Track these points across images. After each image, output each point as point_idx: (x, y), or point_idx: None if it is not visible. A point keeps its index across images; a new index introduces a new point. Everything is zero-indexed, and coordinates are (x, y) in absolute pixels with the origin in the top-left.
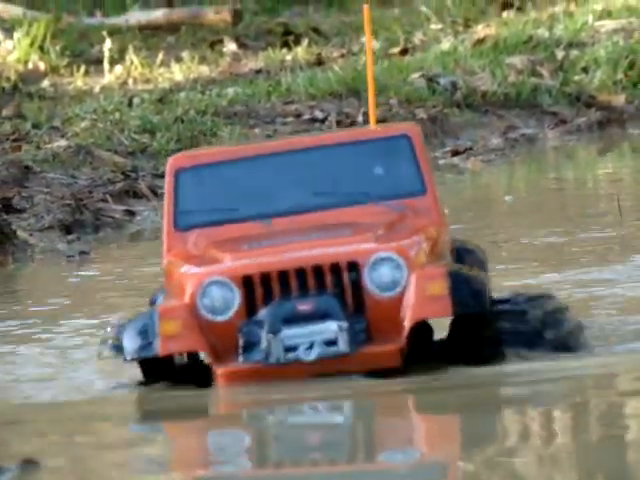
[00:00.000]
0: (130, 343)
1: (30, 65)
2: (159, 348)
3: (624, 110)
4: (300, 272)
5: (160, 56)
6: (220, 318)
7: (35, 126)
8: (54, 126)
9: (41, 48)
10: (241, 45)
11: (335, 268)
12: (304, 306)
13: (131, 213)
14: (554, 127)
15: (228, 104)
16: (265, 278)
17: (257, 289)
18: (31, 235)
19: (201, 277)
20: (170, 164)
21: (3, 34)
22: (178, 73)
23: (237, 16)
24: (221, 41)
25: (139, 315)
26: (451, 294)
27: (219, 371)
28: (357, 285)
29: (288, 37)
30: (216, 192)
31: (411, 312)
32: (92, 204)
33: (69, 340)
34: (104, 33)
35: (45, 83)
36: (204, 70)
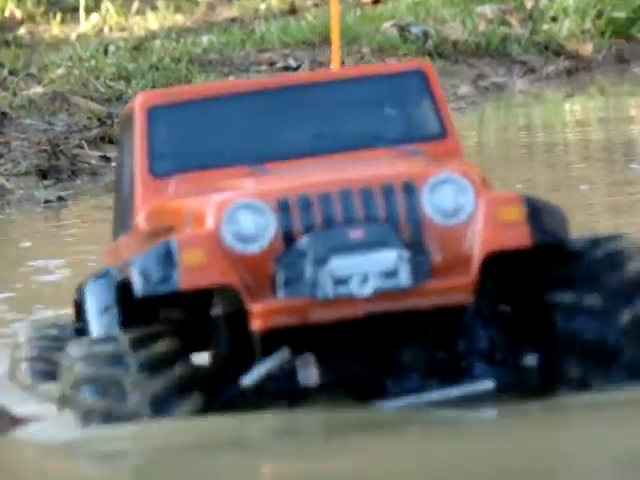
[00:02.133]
0: (141, 278)
1: (7, 13)
2: (181, 281)
3: (592, 59)
4: (346, 195)
5: (135, 4)
6: (252, 248)
7: (11, 73)
8: (30, 73)
9: None
10: None
11: (388, 190)
12: (356, 232)
13: (107, 159)
14: (523, 75)
15: (203, 52)
16: (304, 202)
17: (295, 215)
18: (8, 180)
19: (227, 201)
20: (140, 102)
21: None
22: (153, 21)
23: None
24: None
25: (145, 251)
26: (529, 221)
27: (255, 309)
28: (414, 211)
29: None
30: (197, 134)
31: (482, 241)
32: (68, 150)
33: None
34: None
35: (22, 31)
36: (179, 18)
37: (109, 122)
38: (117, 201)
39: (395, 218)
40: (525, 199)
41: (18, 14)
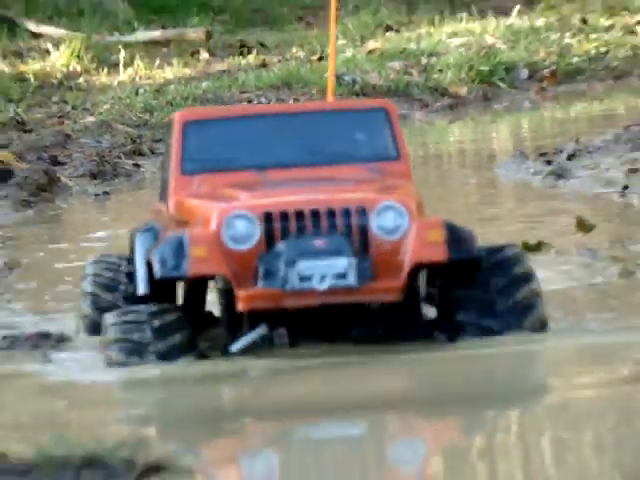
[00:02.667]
0: (160, 264)
1: (71, 68)
2: (189, 269)
3: (466, 98)
4: (315, 213)
5: (157, 61)
6: (242, 247)
7: (74, 107)
8: (86, 108)
9: (78, 56)
10: (211, 54)
11: (346, 212)
12: (319, 242)
13: (137, 166)
14: (420, 109)
15: (202, 93)
16: (283, 215)
17: (276, 225)
18: (70, 180)
19: (227, 210)
20: (177, 118)
21: (53, 47)
22: (169, 73)
23: (209, 35)
24: (198, 52)
25: (165, 240)
26: (446, 242)
27: (240, 294)
28: (364, 228)
29: (243, 49)
30: (218, 144)
31: (411, 255)
32: (111, 160)
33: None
34: (120, 46)
35: (80, 80)
36: (186, 71)
37: (138, 141)
38: (162, 178)
39: (350, 233)
40: (445, 225)
41: (78, 68)
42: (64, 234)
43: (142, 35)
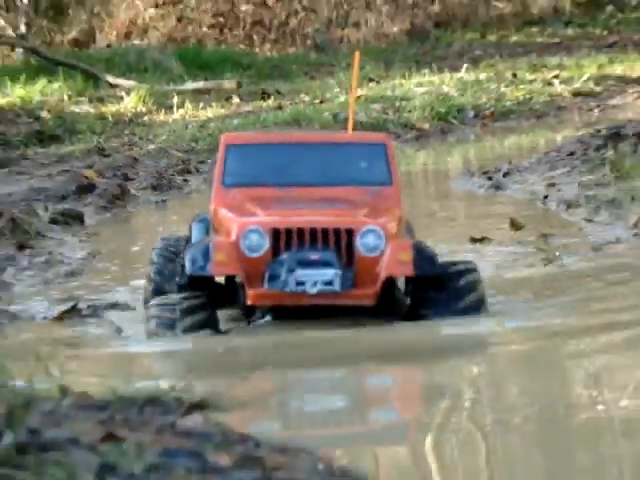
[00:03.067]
0: (191, 264)
1: (138, 109)
2: (212, 270)
3: (429, 131)
4: (313, 231)
5: (201, 104)
6: (254, 255)
7: (140, 138)
8: (149, 139)
9: (143, 101)
10: (241, 99)
11: (337, 232)
12: (314, 256)
13: (186, 181)
14: (394, 140)
15: (234, 128)
16: (288, 232)
17: (281, 239)
18: (137, 192)
19: (245, 225)
20: (223, 141)
21: (125, 95)
22: (210, 113)
23: (239, 85)
24: (231, 97)
25: (196, 244)
26: (413, 260)
27: (250, 292)
28: (350, 246)
29: (264, 95)
30: (252, 163)
31: (385, 269)
32: (167, 176)
33: None
34: (174, 93)
35: (145, 118)
36: (223, 111)
37: (187, 163)
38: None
39: (339, 249)
40: (414, 246)
41: (143, 109)
42: (133, 230)
43: (190, 85)
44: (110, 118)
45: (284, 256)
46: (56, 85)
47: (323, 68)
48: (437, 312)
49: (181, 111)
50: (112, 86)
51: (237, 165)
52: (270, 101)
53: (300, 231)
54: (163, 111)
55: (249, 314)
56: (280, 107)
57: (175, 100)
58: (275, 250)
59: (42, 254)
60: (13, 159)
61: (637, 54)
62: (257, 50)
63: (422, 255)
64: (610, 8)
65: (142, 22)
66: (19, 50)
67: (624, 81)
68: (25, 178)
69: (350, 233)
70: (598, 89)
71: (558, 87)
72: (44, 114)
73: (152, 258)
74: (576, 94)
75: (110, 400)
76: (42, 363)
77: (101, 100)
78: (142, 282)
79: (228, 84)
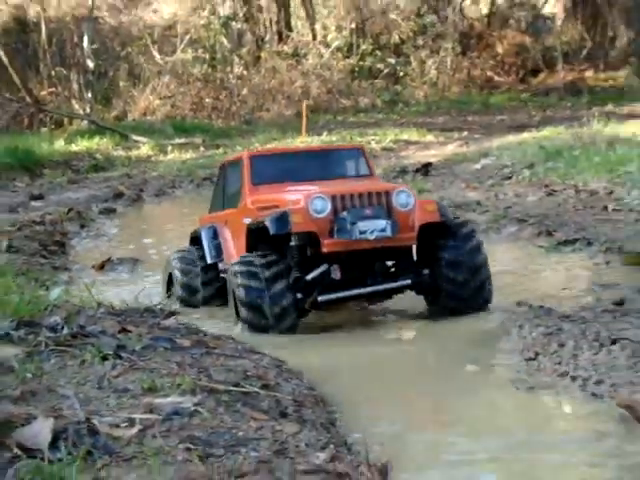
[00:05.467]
0: (273, 226)
1: (149, 153)
2: (292, 227)
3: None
4: (360, 195)
5: (183, 151)
6: (320, 215)
7: (148, 169)
8: (154, 169)
9: (152, 149)
10: (205, 149)
11: (378, 194)
12: (368, 211)
13: (174, 191)
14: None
15: (200, 165)
16: (342, 197)
17: (339, 202)
18: (146, 197)
19: (311, 194)
20: (246, 154)
21: (142, 145)
22: (187, 155)
23: (204, 141)
24: (199, 147)
25: (271, 214)
26: (438, 210)
27: (324, 242)
28: (390, 204)
29: (217, 146)
30: (269, 167)
31: (418, 218)
32: (163, 189)
33: None
34: (168, 145)
35: (152, 158)
36: (194, 155)
37: (174, 183)
38: (214, 199)
39: (383, 206)
40: (436, 201)
41: (152, 154)
42: (143, 217)
43: (177, 141)
44: (133, 158)
45: (345, 214)
46: (104, 140)
47: (249, 133)
48: (449, 254)
49: (172, 155)
50: (135, 141)
51: (259, 169)
52: (220, 150)
53: (351, 196)
54: (162, 155)
55: (304, 269)
56: (225, 153)
57: (169, 149)
58: (335, 210)
59: (93, 230)
60: (80, 179)
61: (415, 129)
62: (214, 123)
63: (442, 208)
64: (401, 105)
65: (152, 107)
66: (85, 122)
67: (408, 143)
68: (86, 190)
69: (387, 194)
70: (395, 146)
71: (374, 145)
72: (98, 155)
73: (173, 263)
74: (383, 149)
75: (124, 309)
76: (88, 289)
77: (128, 148)
78: (147, 241)
79: (197, 140)
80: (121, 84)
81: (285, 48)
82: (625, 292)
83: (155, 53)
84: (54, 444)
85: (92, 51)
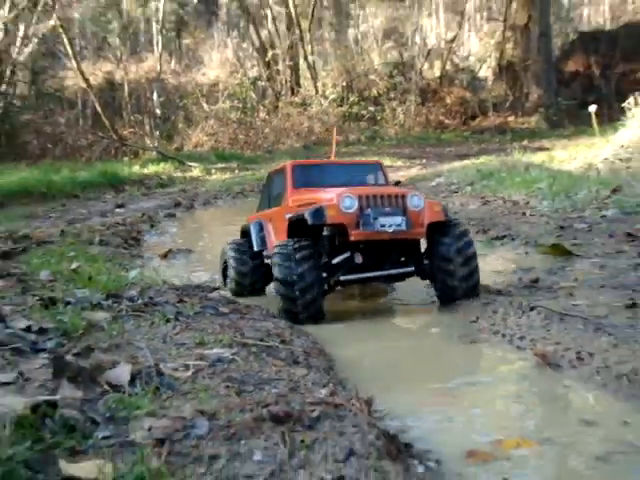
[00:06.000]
0: (311, 217)
1: (199, 174)
2: (326, 219)
3: None
4: (382, 196)
5: (223, 173)
6: (349, 211)
7: (198, 186)
8: (202, 186)
9: (200, 172)
10: (238, 171)
11: (396, 196)
12: (388, 209)
13: (216, 201)
14: None
15: (236, 183)
16: (367, 197)
17: (364, 201)
18: (197, 206)
19: (342, 193)
20: (289, 164)
21: (194, 169)
22: (225, 176)
23: (238, 166)
24: (234, 170)
25: (311, 207)
26: (443, 211)
27: (352, 232)
28: (405, 204)
29: (247, 169)
30: (306, 174)
31: (427, 217)
32: (209, 200)
33: None
34: (212, 169)
35: (200, 178)
36: (230, 176)
37: (217, 195)
38: (260, 201)
39: (400, 206)
40: (441, 203)
41: (201, 175)
42: (195, 219)
43: (218, 166)
44: (187, 178)
45: (369, 210)
46: (167, 165)
47: (270, 160)
48: (445, 249)
49: (215, 176)
50: (189, 166)
51: (299, 176)
52: (249, 172)
53: (374, 196)
54: (208, 175)
55: (333, 255)
56: (253, 174)
57: (213, 171)
58: (361, 208)
59: (159, 229)
60: (150, 193)
61: (389, 157)
62: (245, 152)
63: (445, 209)
64: (378, 140)
65: (201, 142)
66: (154, 152)
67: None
68: (154, 200)
69: (403, 196)
70: None
71: None
72: (163, 176)
73: (227, 252)
74: None
75: (181, 286)
76: (156, 271)
77: (184, 171)
78: (198, 237)
79: (233, 165)
80: (179, 125)
81: (295, 99)
82: (539, 273)
83: (203, 104)
84: (132, 382)
85: (159, 103)
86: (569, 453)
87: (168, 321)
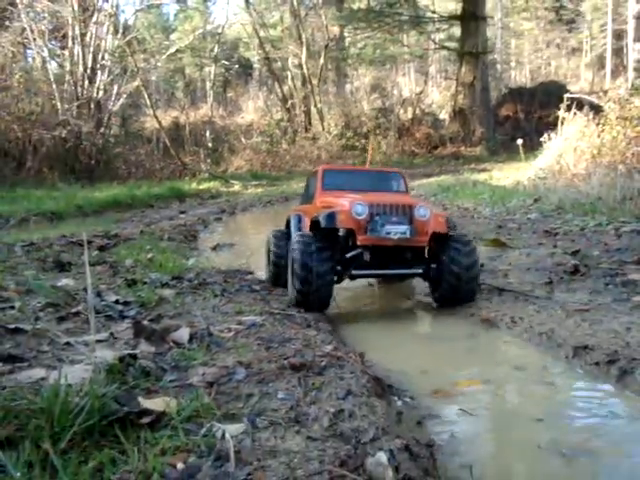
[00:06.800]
0: (324, 221)
1: (239, 189)
2: (338, 224)
3: None
4: (391, 205)
5: (257, 188)
6: (359, 217)
7: (239, 198)
8: (241, 198)
9: (240, 187)
10: (267, 186)
11: (404, 206)
12: (394, 218)
13: (252, 209)
14: None
15: (266, 194)
16: (377, 205)
17: (374, 209)
18: (238, 212)
19: (354, 200)
20: (321, 168)
21: (235, 185)
22: (258, 190)
23: (267, 183)
24: (264, 186)
25: (325, 212)
26: (446, 223)
27: (360, 237)
28: (412, 214)
29: (273, 185)
30: (336, 179)
31: (431, 227)
32: (246, 207)
33: None
34: (248, 185)
35: (241, 192)
36: (262, 190)
37: (252, 204)
38: (304, 195)
39: (407, 215)
40: (445, 215)
41: (240, 189)
42: (237, 221)
43: (253, 183)
44: (230, 192)
45: (377, 218)
46: (216, 183)
47: (290, 179)
48: (453, 253)
49: (250, 190)
50: (231, 183)
51: (329, 179)
52: (275, 187)
53: (384, 205)
54: (245, 190)
55: (347, 251)
56: (278, 188)
57: (249, 187)
58: (371, 215)
59: (210, 229)
60: (204, 203)
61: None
62: (271, 173)
63: (449, 221)
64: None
65: (240, 166)
66: (206, 174)
67: None
68: (207, 208)
69: (411, 207)
70: None
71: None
72: (213, 191)
73: (270, 238)
74: None
75: (225, 270)
76: (207, 259)
77: (228, 187)
78: (238, 234)
79: (263, 182)
80: (225, 154)
81: (308, 135)
82: (484, 260)
83: (242, 138)
84: (190, 341)
85: (210, 138)
86: (504, 389)
87: (216, 296)
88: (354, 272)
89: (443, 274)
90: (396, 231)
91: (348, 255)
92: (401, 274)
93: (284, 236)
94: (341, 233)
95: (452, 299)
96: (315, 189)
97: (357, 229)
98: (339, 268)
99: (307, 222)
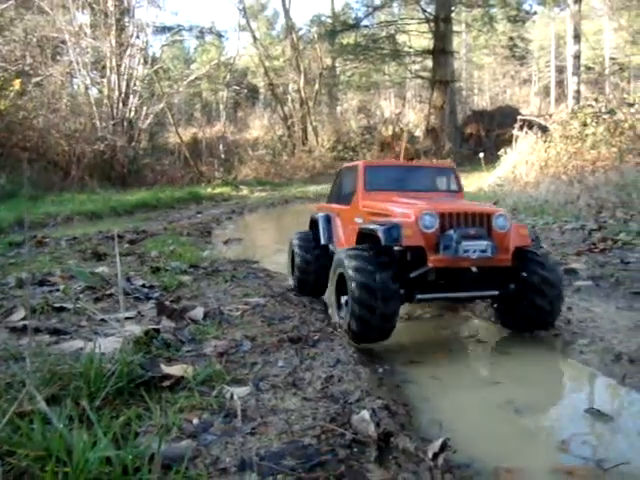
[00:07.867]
0: (385, 237)
1: (246, 193)
2: (403, 241)
3: None
4: (465, 215)
5: (262, 192)
6: (429, 231)
7: (247, 201)
8: (248, 201)
9: (247, 191)
10: (271, 191)
11: (481, 215)
12: (472, 231)
13: (257, 210)
14: None
15: (269, 197)
16: (450, 215)
17: (446, 220)
18: (245, 213)
19: (421, 209)
20: (362, 164)
21: (244, 190)
22: (263, 194)
23: (271, 188)
24: (267, 190)
25: (384, 225)
26: (529, 235)
27: (431, 257)
28: (490, 225)
29: (274, 190)
30: (379, 177)
31: (513, 241)
32: (252, 209)
33: None
34: (254, 190)
35: (248, 195)
36: (266, 194)
37: (257, 206)
38: (330, 194)
39: (485, 227)
40: (527, 226)
41: (248, 193)
42: (246, 220)
43: (259, 188)
44: (239, 196)
45: (451, 232)
46: (228, 188)
47: (289, 185)
48: (539, 279)
49: (256, 194)
50: (240, 188)
51: (371, 177)
52: (276, 191)
53: (457, 215)
54: (252, 194)
55: (409, 270)
56: (279, 193)
57: (255, 192)
58: (443, 227)
59: (222, 226)
60: (217, 205)
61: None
62: (274, 180)
63: (531, 233)
64: None
65: (248, 174)
66: (220, 180)
67: None
68: (220, 209)
69: (489, 216)
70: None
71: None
72: (225, 195)
73: (293, 241)
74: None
75: (234, 260)
76: (220, 251)
77: (238, 191)
78: (245, 231)
79: (267, 188)
80: (235, 164)
81: (305, 148)
82: None
83: (249, 151)
84: (204, 318)
85: (223, 150)
86: (468, 359)
87: (226, 281)
88: (419, 297)
89: (527, 294)
90: (475, 248)
91: (412, 274)
92: (474, 297)
93: (310, 239)
94: (397, 248)
95: (536, 322)
96: (353, 188)
97: (427, 246)
98: (402, 291)
99: (339, 225)
